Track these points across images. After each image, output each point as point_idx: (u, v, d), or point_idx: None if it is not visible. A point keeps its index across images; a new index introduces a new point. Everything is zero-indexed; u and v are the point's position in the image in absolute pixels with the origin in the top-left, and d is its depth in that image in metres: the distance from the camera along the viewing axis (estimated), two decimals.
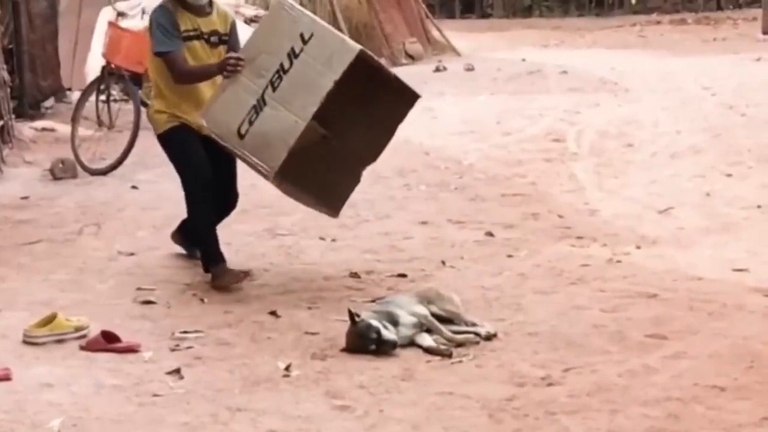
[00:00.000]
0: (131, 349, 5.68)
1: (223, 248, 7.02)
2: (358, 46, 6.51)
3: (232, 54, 6.77)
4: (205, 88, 6.96)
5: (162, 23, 6.90)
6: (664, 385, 5.20)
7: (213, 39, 7.04)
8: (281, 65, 6.50)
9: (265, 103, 6.50)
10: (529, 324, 6.07)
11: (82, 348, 5.69)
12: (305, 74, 6.44)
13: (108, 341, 5.70)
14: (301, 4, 17.69)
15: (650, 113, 13.00)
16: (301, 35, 6.49)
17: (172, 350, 5.74)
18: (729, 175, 9.81)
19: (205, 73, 6.94)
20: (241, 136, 6.53)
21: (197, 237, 7.12)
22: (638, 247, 7.75)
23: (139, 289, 6.82)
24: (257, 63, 6.56)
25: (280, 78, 6.50)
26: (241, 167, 7.16)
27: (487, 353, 5.66)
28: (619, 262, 7.37)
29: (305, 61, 6.44)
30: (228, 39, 7.11)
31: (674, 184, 9.68)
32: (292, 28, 6.53)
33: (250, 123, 6.52)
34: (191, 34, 6.96)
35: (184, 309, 6.45)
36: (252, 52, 6.62)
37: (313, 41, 6.45)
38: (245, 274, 6.84)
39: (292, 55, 6.49)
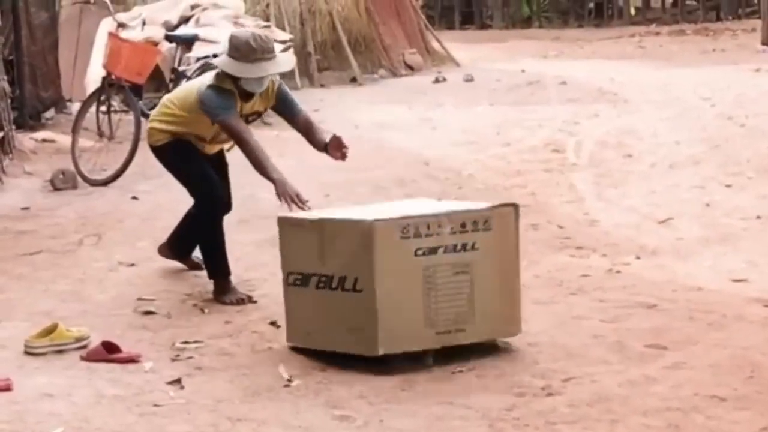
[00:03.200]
0: (132, 360, 5.68)
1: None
2: None
3: (302, 195, 6.70)
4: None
5: (223, 96, 6.64)
6: (664, 395, 5.20)
7: (251, 119, 6.94)
8: None
9: None
10: (529, 334, 6.07)
11: (83, 358, 5.70)
12: None
13: (109, 352, 5.70)
14: (301, 17, 17.76)
15: (649, 124, 13.01)
16: None
17: (173, 360, 5.74)
18: (728, 186, 9.82)
19: (266, 167, 6.79)
20: None
21: (208, 247, 7.06)
22: (638, 258, 7.75)
23: (139, 299, 6.83)
24: None
25: None
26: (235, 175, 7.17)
27: (487, 363, 5.66)
28: (618, 272, 7.37)
29: None
30: (276, 108, 7.00)
31: (673, 194, 9.69)
32: None
33: None
34: (249, 118, 6.90)
35: (185, 319, 6.46)
36: None
37: None
38: (249, 299, 6.80)
39: None
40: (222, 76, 6.70)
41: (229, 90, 6.68)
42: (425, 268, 5.60)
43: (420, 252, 5.59)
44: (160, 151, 7.08)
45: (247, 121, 6.90)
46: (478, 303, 5.70)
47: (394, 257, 5.56)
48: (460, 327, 5.68)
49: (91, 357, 5.69)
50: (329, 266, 5.70)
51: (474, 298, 5.68)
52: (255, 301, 6.81)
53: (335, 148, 7.02)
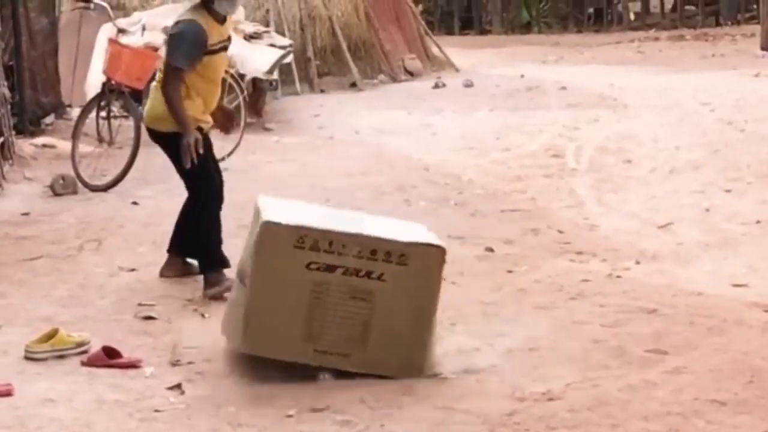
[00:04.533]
0: (132, 365, 5.69)
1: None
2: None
3: (199, 146, 6.93)
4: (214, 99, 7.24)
5: (191, 40, 6.95)
6: (665, 399, 5.21)
7: (220, 47, 7.17)
8: None
9: None
10: (530, 339, 6.07)
11: (84, 364, 5.70)
12: None
13: (109, 357, 5.71)
14: (301, 23, 17.77)
15: (649, 129, 13.02)
16: None
17: (173, 365, 5.74)
18: (728, 191, 9.82)
19: (179, 116, 6.98)
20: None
21: (206, 238, 7.14)
22: (638, 263, 7.76)
23: (140, 304, 6.83)
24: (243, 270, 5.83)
25: None
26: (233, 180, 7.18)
27: (487, 368, 5.66)
28: (618, 277, 7.38)
29: None
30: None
31: (673, 199, 9.70)
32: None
33: None
34: (219, 46, 7.12)
35: (185, 324, 6.45)
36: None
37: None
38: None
39: None
40: (196, 8, 7.02)
41: (199, 33, 6.94)
42: (316, 284, 5.41)
43: (314, 266, 5.40)
44: (167, 139, 7.14)
45: (217, 52, 7.11)
46: (375, 335, 5.44)
47: (281, 263, 5.42)
48: (345, 352, 5.45)
49: (92, 362, 5.70)
50: (242, 260, 5.78)
51: (371, 328, 5.43)
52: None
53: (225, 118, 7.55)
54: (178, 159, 7.13)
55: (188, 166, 6.94)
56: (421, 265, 5.40)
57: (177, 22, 7.10)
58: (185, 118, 6.99)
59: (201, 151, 6.97)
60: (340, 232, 5.43)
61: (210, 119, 7.32)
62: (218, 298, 6.78)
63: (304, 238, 5.39)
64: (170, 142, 7.13)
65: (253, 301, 5.47)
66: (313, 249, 5.38)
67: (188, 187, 7.27)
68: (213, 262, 7.08)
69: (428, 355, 5.53)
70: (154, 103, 7.23)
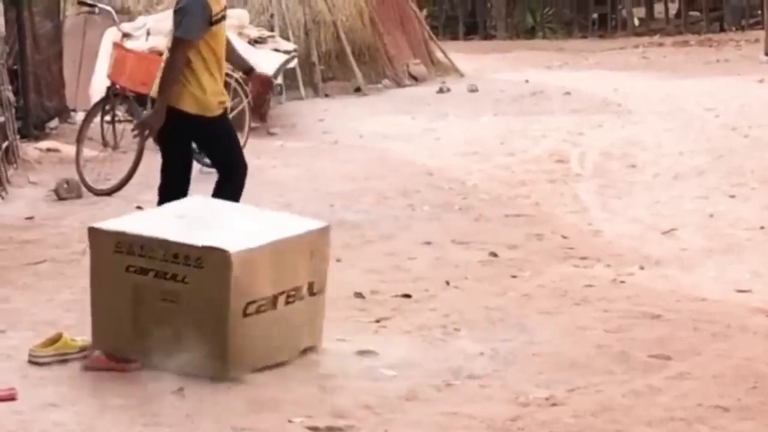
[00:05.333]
0: (130, 367, 5.66)
1: None
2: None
3: (153, 133, 7.27)
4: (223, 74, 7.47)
5: (196, 12, 7.17)
6: (668, 405, 5.20)
7: (219, 19, 7.33)
8: None
9: None
10: (533, 344, 6.08)
11: (85, 367, 5.70)
12: None
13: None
14: (305, 28, 17.77)
15: (653, 134, 13.03)
16: None
17: (176, 369, 5.73)
18: (732, 197, 9.83)
19: (165, 89, 7.19)
20: None
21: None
22: (642, 268, 7.76)
23: None
24: None
25: None
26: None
27: (491, 373, 5.66)
28: (622, 282, 7.38)
29: None
30: None
31: (677, 205, 9.70)
32: None
33: None
34: (221, 15, 7.31)
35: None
36: None
37: None
38: None
39: None
40: None
41: (201, 6, 7.13)
42: (136, 286, 5.66)
43: (131, 269, 5.65)
44: (190, 122, 7.26)
45: (220, 21, 7.29)
46: (184, 336, 5.57)
47: (106, 267, 5.74)
48: (168, 351, 5.58)
49: (93, 365, 5.69)
50: None
51: (180, 329, 5.57)
52: None
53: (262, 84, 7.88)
54: (205, 146, 7.50)
55: (138, 138, 7.28)
56: (214, 267, 5.53)
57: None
58: (167, 96, 7.17)
59: (153, 136, 7.26)
60: (149, 237, 5.67)
61: (227, 96, 7.57)
62: None
63: (121, 243, 5.70)
64: (194, 126, 7.27)
65: (92, 301, 5.83)
66: (129, 253, 5.68)
67: (225, 168, 7.42)
68: None
69: (231, 354, 5.60)
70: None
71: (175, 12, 7.31)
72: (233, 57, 7.76)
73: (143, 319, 5.66)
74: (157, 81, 7.33)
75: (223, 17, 7.37)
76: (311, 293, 5.94)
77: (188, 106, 7.26)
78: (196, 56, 7.25)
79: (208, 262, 5.53)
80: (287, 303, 5.79)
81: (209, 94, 7.28)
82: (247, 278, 5.57)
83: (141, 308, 5.67)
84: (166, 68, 7.25)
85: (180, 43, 7.20)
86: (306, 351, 5.93)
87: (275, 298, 5.71)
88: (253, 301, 5.61)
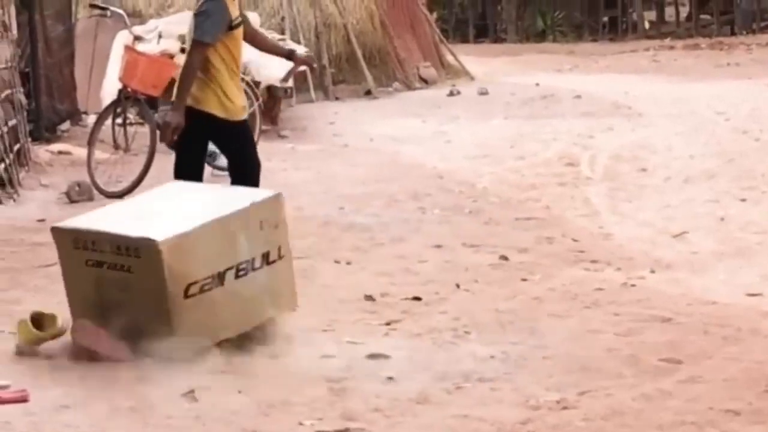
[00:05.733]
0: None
1: None
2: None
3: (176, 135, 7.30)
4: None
5: (216, 16, 7.26)
6: (679, 409, 5.20)
7: (237, 23, 7.44)
8: None
9: None
10: (544, 347, 6.07)
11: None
12: None
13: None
14: (316, 31, 17.79)
15: (664, 138, 13.02)
16: None
17: (187, 371, 5.74)
18: (743, 200, 9.82)
19: (183, 90, 7.29)
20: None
21: None
22: (652, 272, 7.75)
23: None
24: None
25: None
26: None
27: (501, 376, 5.67)
28: (633, 286, 7.37)
29: None
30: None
31: (688, 208, 9.69)
32: None
33: None
34: (239, 21, 7.42)
35: None
36: None
37: None
38: None
39: None
40: None
41: (221, 10, 7.23)
42: (96, 278, 5.97)
43: (90, 263, 5.96)
44: (239, 126, 7.43)
45: (235, 27, 7.38)
46: (137, 321, 5.80)
47: (72, 262, 6.08)
48: (128, 337, 5.83)
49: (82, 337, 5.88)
50: None
51: (133, 316, 5.82)
52: None
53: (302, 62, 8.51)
54: (225, 148, 7.56)
55: (163, 138, 7.38)
56: (148, 256, 5.77)
57: (201, 3, 7.35)
58: (184, 97, 7.27)
59: (176, 135, 7.27)
60: (97, 231, 5.99)
61: (245, 99, 7.71)
62: None
63: (78, 239, 6.02)
64: (216, 128, 7.38)
65: (67, 293, 6.18)
66: (85, 248, 5.98)
67: (239, 172, 7.48)
68: None
69: (175, 336, 5.79)
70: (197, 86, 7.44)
71: (195, 15, 7.40)
72: (268, 45, 8.10)
73: (105, 307, 5.92)
74: (200, 91, 7.37)
75: (241, 22, 7.48)
76: (268, 262, 6.07)
77: (214, 108, 7.35)
78: (219, 60, 7.35)
79: (143, 252, 5.78)
80: (237, 277, 5.94)
81: (233, 97, 7.40)
82: (181, 262, 5.76)
83: (102, 298, 5.96)
84: (183, 70, 7.36)
85: (198, 45, 7.30)
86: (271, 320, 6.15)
87: (221, 274, 5.88)
88: (195, 282, 5.80)
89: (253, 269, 6.01)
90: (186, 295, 5.79)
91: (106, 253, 5.88)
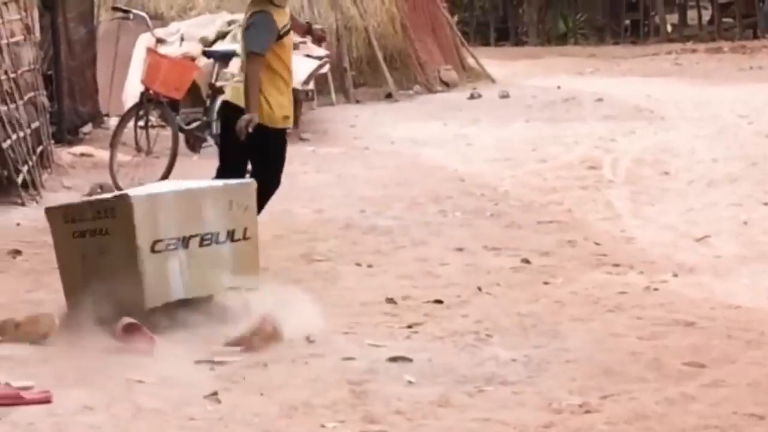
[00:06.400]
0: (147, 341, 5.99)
1: (260, 272, 7.09)
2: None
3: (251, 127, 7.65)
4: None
5: (265, 27, 7.70)
6: (703, 413, 5.18)
7: (285, 32, 7.84)
8: None
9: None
10: (567, 351, 6.06)
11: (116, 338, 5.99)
12: None
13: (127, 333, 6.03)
14: (337, 34, 17.80)
15: (686, 141, 12.99)
16: None
17: (210, 371, 5.76)
18: (766, 204, 9.78)
19: (251, 96, 7.68)
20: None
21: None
22: (675, 275, 7.72)
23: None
24: None
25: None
26: None
27: (524, 379, 5.65)
28: (656, 290, 7.35)
29: None
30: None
31: (711, 212, 9.66)
32: None
33: None
34: (286, 29, 7.78)
35: (223, 332, 6.43)
36: None
37: None
38: None
39: None
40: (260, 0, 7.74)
41: (270, 21, 7.66)
42: (81, 247, 6.49)
43: (76, 234, 6.51)
44: (276, 133, 7.86)
45: (284, 35, 7.78)
46: (113, 280, 6.29)
47: (63, 238, 6.60)
48: (106, 300, 6.25)
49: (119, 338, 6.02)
50: None
51: (110, 274, 6.32)
52: None
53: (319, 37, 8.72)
54: (256, 148, 7.76)
55: (242, 138, 7.67)
56: (122, 213, 6.37)
57: (249, 15, 7.77)
58: (255, 100, 7.71)
59: (251, 130, 7.65)
60: (80, 202, 6.72)
61: (291, 110, 8.05)
62: None
63: (66, 214, 6.61)
64: (275, 135, 7.84)
65: (60, 271, 6.69)
66: (72, 221, 6.54)
67: (266, 176, 7.73)
68: None
69: (145, 284, 6.35)
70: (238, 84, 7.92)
71: (245, 29, 7.78)
72: (296, 26, 8.28)
73: (88, 275, 6.42)
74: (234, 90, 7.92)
75: (289, 30, 7.81)
76: (233, 239, 6.69)
77: (274, 119, 7.77)
78: (264, 69, 7.71)
79: (118, 211, 6.40)
80: (201, 245, 6.57)
81: (274, 106, 7.76)
82: (150, 220, 6.39)
83: (86, 267, 6.47)
84: (245, 83, 7.69)
85: (253, 57, 7.71)
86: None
87: (186, 239, 6.52)
88: (161, 240, 6.43)
89: (217, 242, 6.63)
90: (153, 250, 6.39)
91: (88, 220, 6.46)
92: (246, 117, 7.67)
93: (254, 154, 7.88)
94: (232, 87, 8.19)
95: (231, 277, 6.64)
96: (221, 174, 7.86)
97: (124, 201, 6.41)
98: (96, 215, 6.45)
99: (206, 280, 6.59)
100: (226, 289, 6.58)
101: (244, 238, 6.74)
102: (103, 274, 6.36)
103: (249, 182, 7.03)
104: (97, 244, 6.44)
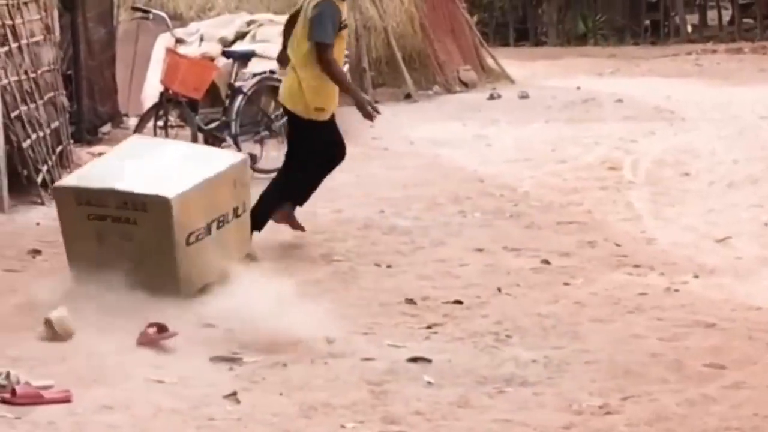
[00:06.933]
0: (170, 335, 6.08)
1: (280, 273, 7.10)
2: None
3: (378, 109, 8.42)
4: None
5: (331, 16, 7.94)
6: (723, 415, 5.15)
7: (344, 26, 8.14)
8: None
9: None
10: (587, 352, 6.04)
11: (139, 343, 6.03)
12: None
13: (159, 330, 6.11)
14: (356, 34, 17.79)
15: (707, 142, 12.93)
16: None
17: (230, 371, 5.75)
18: None
19: (345, 84, 8.22)
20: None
21: (300, 189, 8.37)
22: (696, 277, 7.69)
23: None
24: None
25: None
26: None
27: (544, 381, 5.63)
28: (676, 291, 7.32)
29: None
30: None
31: (732, 213, 9.61)
32: None
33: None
34: (345, 22, 8.07)
35: (242, 332, 6.43)
36: None
37: None
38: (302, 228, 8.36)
39: None
40: None
41: (335, 11, 7.94)
42: (97, 229, 6.80)
43: (92, 217, 6.80)
44: (297, 121, 8.23)
45: (342, 28, 8.05)
46: (143, 265, 6.65)
47: (73, 217, 6.89)
48: (129, 280, 6.58)
49: (141, 341, 6.07)
50: None
51: (136, 261, 6.65)
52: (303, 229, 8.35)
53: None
54: (301, 142, 8.19)
55: (374, 119, 8.34)
56: (157, 211, 6.68)
57: (315, 4, 7.96)
58: (350, 83, 8.39)
59: (378, 112, 8.35)
60: (101, 189, 6.81)
61: (334, 103, 8.31)
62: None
63: (80, 196, 6.85)
64: (297, 123, 8.21)
65: (65, 246, 7.01)
66: (88, 204, 6.82)
67: (290, 163, 8.30)
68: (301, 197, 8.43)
69: (181, 278, 6.76)
70: (289, 82, 8.22)
71: (312, 18, 7.94)
72: None
73: (106, 255, 6.69)
74: (295, 90, 8.16)
75: (346, 25, 8.06)
76: (236, 215, 7.16)
77: (297, 105, 8.13)
78: (312, 59, 8.00)
79: (151, 207, 6.69)
80: (218, 227, 6.99)
81: (309, 98, 8.06)
82: (185, 215, 6.73)
83: (103, 247, 6.76)
84: (331, 76, 7.98)
85: (323, 47, 7.98)
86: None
87: (209, 225, 6.92)
88: (193, 232, 6.80)
89: (227, 222, 7.08)
90: (187, 243, 6.77)
91: (110, 208, 6.75)
92: (359, 100, 8.20)
93: (293, 141, 8.32)
94: (284, 88, 8.37)
95: (235, 249, 7.20)
96: (287, 169, 8.32)
97: (162, 200, 6.66)
98: (122, 206, 6.71)
99: (222, 259, 7.00)
100: (236, 261, 7.09)
101: (244, 211, 7.26)
102: (128, 257, 6.64)
103: (244, 159, 7.57)
104: (120, 230, 6.74)
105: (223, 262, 7.00)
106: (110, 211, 6.75)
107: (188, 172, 7.01)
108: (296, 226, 8.41)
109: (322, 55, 7.95)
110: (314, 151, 8.24)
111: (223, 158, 7.46)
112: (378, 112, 8.36)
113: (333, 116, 8.33)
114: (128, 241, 6.73)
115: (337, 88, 8.18)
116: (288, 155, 8.41)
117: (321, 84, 8.06)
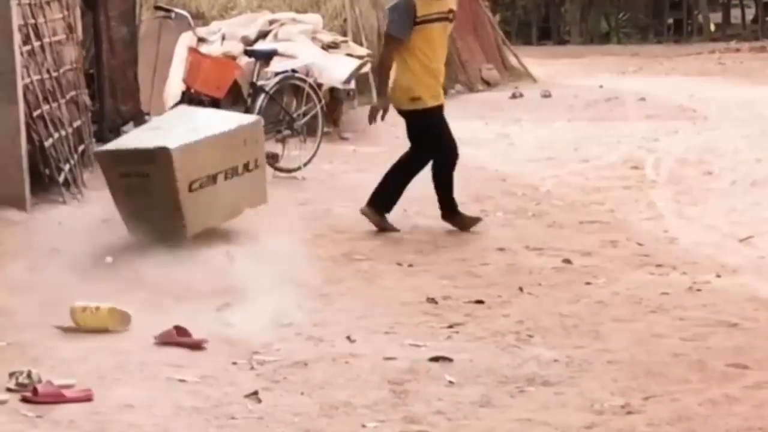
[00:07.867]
0: (197, 345, 6.05)
1: (302, 272, 7.07)
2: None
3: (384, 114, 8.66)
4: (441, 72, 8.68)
5: (401, 12, 8.34)
6: (746, 415, 5.13)
7: (450, 17, 8.57)
8: None
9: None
10: (609, 352, 6.02)
11: (158, 342, 6.05)
12: None
13: (180, 334, 6.09)
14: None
15: (730, 141, 12.88)
16: None
17: (251, 371, 5.76)
18: None
19: (380, 79, 8.68)
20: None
21: (396, 185, 8.89)
22: (718, 276, 7.66)
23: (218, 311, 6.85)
24: None
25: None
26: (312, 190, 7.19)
27: (566, 380, 5.62)
28: (699, 290, 7.29)
29: None
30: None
31: (755, 212, 9.57)
32: None
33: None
34: (435, 16, 8.31)
35: (263, 332, 6.45)
36: None
37: None
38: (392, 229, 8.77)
39: None
40: None
41: (408, 5, 8.26)
42: (127, 185, 7.81)
43: (122, 175, 7.83)
44: (406, 115, 8.72)
45: (432, 22, 8.38)
46: (156, 213, 7.62)
47: (113, 177, 7.93)
48: (150, 228, 7.60)
49: (162, 339, 6.09)
50: None
51: (154, 208, 7.64)
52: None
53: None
54: (413, 135, 8.74)
55: (372, 123, 8.75)
56: (162, 161, 7.62)
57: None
58: (383, 84, 8.59)
59: (383, 118, 8.61)
60: (125, 149, 7.95)
61: (443, 97, 8.79)
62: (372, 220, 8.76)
63: (113, 157, 7.97)
64: (409, 118, 8.69)
65: (113, 201, 7.96)
66: (118, 163, 7.88)
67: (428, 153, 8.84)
68: (391, 202, 8.87)
69: (186, 218, 7.66)
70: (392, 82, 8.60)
71: (388, 10, 8.46)
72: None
73: (134, 208, 7.77)
74: (396, 88, 8.58)
75: (441, 19, 8.35)
76: (247, 170, 8.06)
77: (399, 104, 8.59)
78: (408, 53, 8.40)
79: (157, 158, 7.65)
80: (226, 179, 7.91)
81: (400, 89, 8.45)
82: (187, 165, 7.64)
83: (132, 201, 7.78)
84: (378, 61, 8.49)
85: (388, 38, 8.51)
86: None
87: (214, 176, 7.84)
88: (196, 180, 7.73)
89: (237, 175, 7.98)
90: (190, 189, 7.68)
91: (131, 164, 7.76)
92: (374, 105, 8.59)
93: (412, 133, 8.72)
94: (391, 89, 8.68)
95: (247, 200, 8.07)
96: (409, 157, 8.83)
97: (164, 152, 7.59)
98: (139, 161, 7.71)
99: (229, 207, 7.98)
100: (243, 210, 8.02)
101: (256, 166, 8.12)
102: (148, 209, 7.64)
103: (257, 120, 8.58)
104: (140, 185, 7.72)
105: (230, 210, 7.98)
106: (132, 168, 7.74)
107: (199, 131, 7.92)
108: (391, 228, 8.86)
109: (385, 44, 8.53)
110: (427, 145, 8.70)
111: (236, 120, 8.40)
112: (378, 121, 8.69)
113: (440, 112, 8.73)
114: (146, 195, 7.67)
115: (434, 78, 8.56)
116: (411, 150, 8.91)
117: (411, 74, 8.43)
